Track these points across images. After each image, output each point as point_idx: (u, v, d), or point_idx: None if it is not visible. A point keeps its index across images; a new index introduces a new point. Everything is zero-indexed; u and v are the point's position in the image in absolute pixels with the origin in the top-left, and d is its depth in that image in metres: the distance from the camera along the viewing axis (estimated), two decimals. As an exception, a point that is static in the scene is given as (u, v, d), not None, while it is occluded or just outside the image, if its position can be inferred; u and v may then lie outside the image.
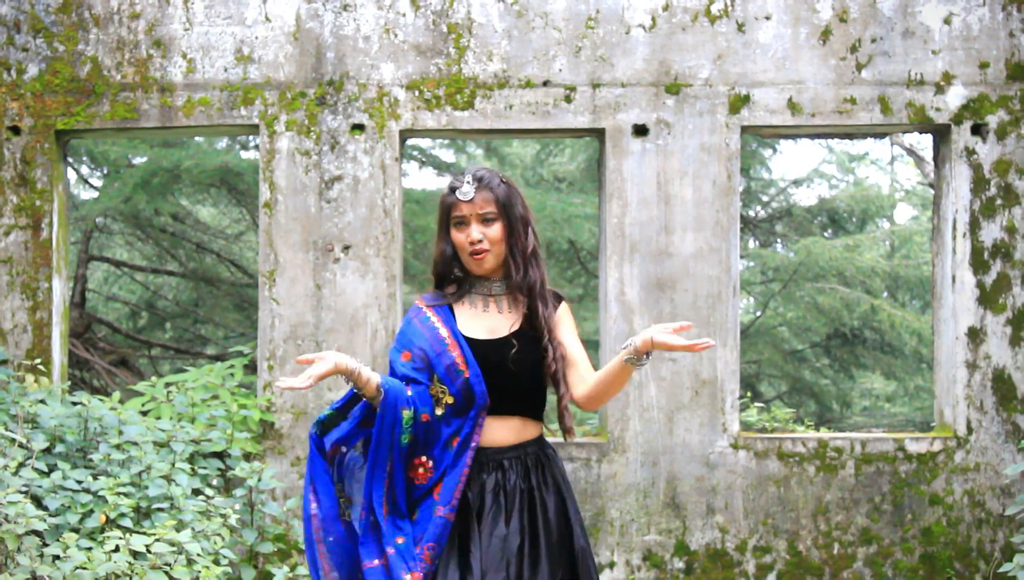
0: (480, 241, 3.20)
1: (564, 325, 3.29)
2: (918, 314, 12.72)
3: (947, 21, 5.95)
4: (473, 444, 3.18)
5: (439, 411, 3.21)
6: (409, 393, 3.20)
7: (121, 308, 12.84)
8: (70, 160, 10.16)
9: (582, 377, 3.23)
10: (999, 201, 5.94)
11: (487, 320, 3.28)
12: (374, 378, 3.14)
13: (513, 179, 3.29)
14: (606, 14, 5.98)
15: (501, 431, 3.21)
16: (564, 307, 3.33)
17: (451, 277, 3.34)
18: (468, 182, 3.23)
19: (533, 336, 3.25)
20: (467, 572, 3.11)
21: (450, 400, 3.20)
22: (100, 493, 4.74)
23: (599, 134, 6.05)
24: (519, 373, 3.20)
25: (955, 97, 5.94)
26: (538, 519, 3.18)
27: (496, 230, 3.22)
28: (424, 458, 3.21)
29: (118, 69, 6.00)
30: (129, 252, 13.20)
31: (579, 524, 3.26)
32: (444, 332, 3.24)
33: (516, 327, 3.26)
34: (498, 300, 3.31)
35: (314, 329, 5.95)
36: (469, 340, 3.23)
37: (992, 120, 5.93)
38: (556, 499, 3.23)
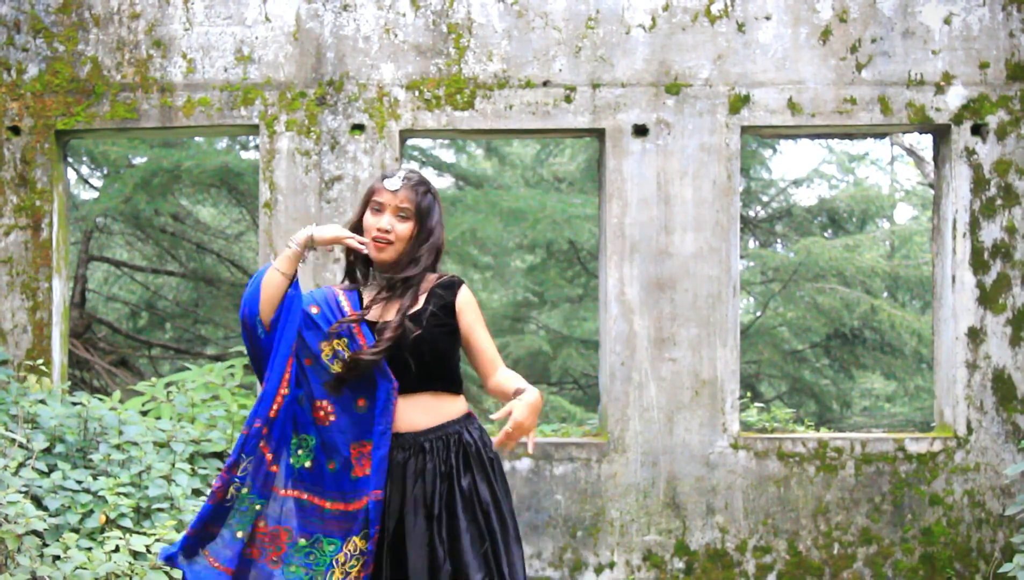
0: (388, 232, 3.31)
1: (466, 314, 3.38)
2: (918, 314, 12.73)
3: (947, 21, 5.95)
4: (389, 423, 3.27)
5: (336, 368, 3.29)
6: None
7: (121, 308, 12.85)
8: (70, 160, 10.16)
9: (486, 372, 3.38)
10: (999, 201, 5.95)
11: (388, 304, 3.36)
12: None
13: (438, 198, 3.46)
14: (606, 14, 5.98)
15: (414, 413, 3.30)
16: (463, 294, 3.39)
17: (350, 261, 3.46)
18: (400, 176, 3.36)
19: (443, 319, 3.33)
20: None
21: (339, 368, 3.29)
22: (100, 493, 4.75)
23: (599, 134, 6.05)
24: (418, 351, 3.28)
25: (955, 97, 5.94)
26: (457, 507, 3.25)
27: (405, 229, 3.33)
28: (325, 402, 3.30)
29: (118, 69, 6.00)
30: (129, 252, 13.20)
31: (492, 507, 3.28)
32: (348, 310, 3.35)
33: (416, 308, 3.34)
34: (392, 289, 3.39)
35: (314, 329, 5.95)
36: (369, 322, 3.33)
37: (992, 120, 5.93)
38: (470, 482, 3.29)
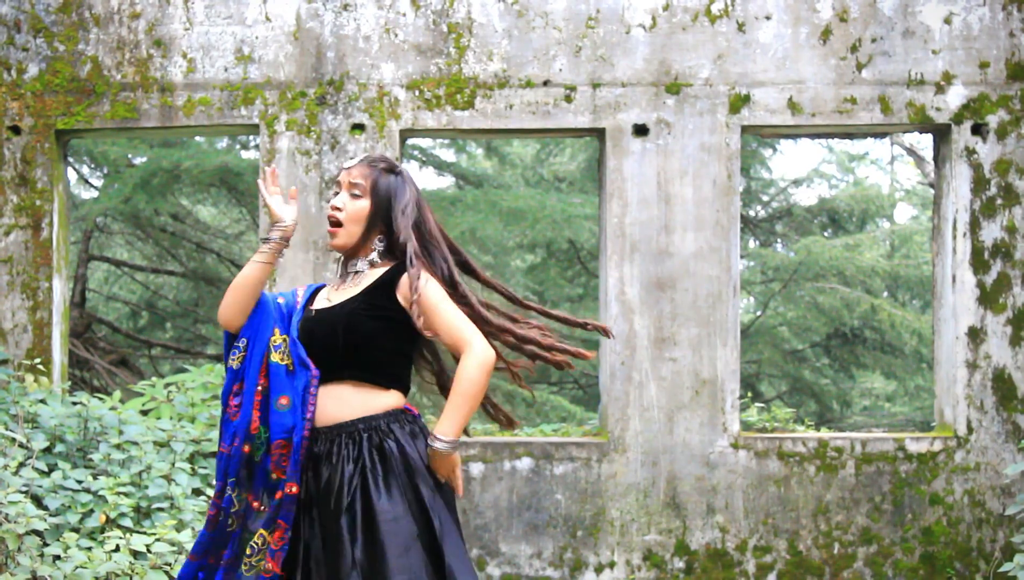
0: (339, 209, 3.01)
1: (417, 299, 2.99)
2: (918, 314, 12.73)
3: (947, 21, 5.95)
4: (308, 415, 2.98)
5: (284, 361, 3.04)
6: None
7: (121, 308, 12.85)
8: (70, 160, 10.16)
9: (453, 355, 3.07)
10: (999, 201, 5.94)
11: (338, 293, 3.09)
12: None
13: (412, 185, 3.08)
14: (606, 14, 5.98)
15: (331, 403, 3.00)
16: (405, 280, 3.01)
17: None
18: (360, 156, 3.10)
19: (376, 304, 2.99)
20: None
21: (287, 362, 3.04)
22: (100, 493, 4.75)
23: (599, 134, 6.05)
24: (336, 335, 2.96)
25: (955, 97, 5.94)
26: (369, 511, 2.93)
27: (357, 206, 3.02)
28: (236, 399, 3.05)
29: (118, 69, 6.00)
30: (129, 252, 13.21)
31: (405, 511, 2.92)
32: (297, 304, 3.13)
33: (355, 294, 3.03)
34: (360, 277, 3.07)
35: (314, 329, 5.95)
36: (307, 310, 3.08)
37: (992, 120, 5.93)
38: (386, 488, 2.94)
